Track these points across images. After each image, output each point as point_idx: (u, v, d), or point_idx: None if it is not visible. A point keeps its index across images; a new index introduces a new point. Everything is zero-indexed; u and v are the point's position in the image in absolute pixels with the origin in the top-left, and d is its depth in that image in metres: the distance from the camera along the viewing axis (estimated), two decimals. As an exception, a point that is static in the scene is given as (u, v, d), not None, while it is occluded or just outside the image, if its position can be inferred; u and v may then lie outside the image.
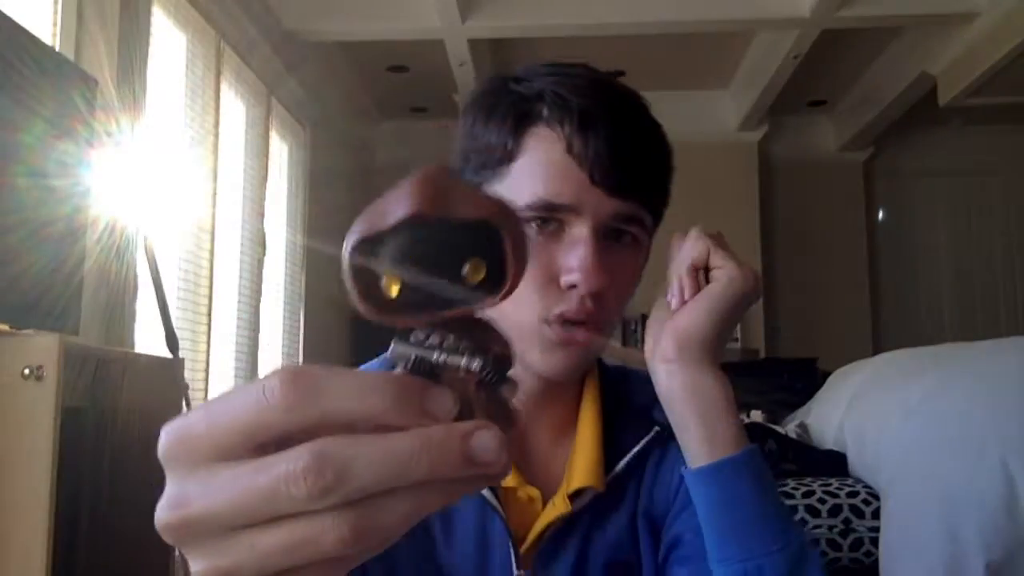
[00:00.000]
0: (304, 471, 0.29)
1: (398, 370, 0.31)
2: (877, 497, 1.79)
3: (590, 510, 0.77)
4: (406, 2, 4.39)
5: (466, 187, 0.31)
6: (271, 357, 4.59)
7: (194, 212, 3.58)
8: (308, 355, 5.01)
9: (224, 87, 3.93)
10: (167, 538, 0.32)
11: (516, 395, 0.32)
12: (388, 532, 0.30)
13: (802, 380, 2.78)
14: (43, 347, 1.78)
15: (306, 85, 4.89)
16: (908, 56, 5.13)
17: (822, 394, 2.35)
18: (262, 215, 4.42)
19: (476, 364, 0.31)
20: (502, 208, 0.31)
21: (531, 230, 0.71)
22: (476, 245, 0.30)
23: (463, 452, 0.29)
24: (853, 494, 1.81)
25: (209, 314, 3.66)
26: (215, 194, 3.75)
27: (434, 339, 0.31)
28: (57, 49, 2.60)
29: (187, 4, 3.57)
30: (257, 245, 4.34)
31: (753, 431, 2.08)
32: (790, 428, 2.27)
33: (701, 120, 6.04)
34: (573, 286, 0.71)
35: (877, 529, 1.75)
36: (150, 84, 3.13)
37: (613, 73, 0.82)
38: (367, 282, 0.30)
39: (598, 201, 0.71)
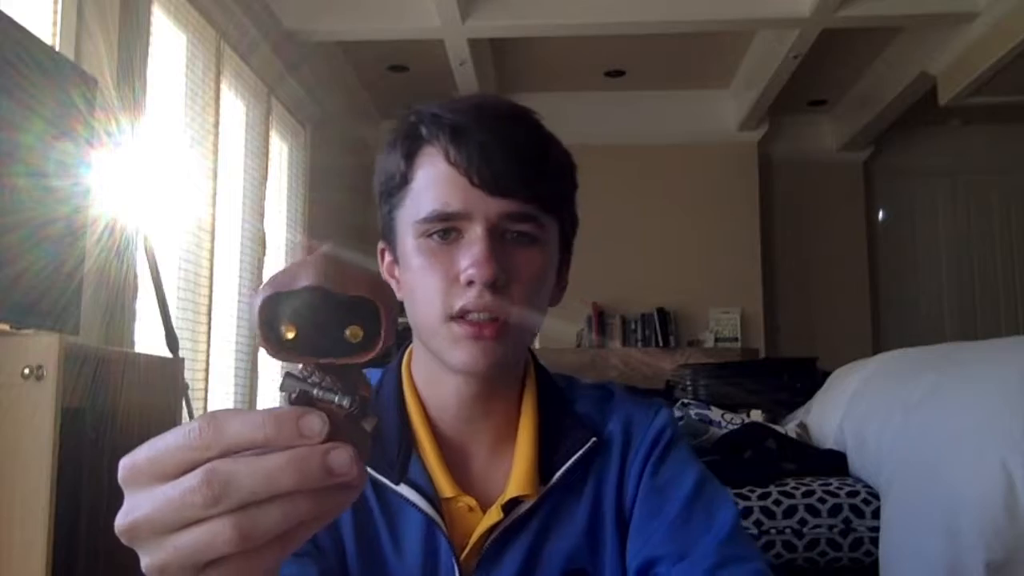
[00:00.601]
0: (199, 485, 0.39)
1: (281, 400, 0.40)
2: (877, 497, 1.79)
3: (536, 518, 0.80)
4: (406, 2, 4.39)
5: (355, 269, 0.41)
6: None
7: (194, 212, 3.57)
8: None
9: (224, 87, 3.93)
10: (123, 540, 0.43)
11: (375, 427, 0.41)
12: (268, 534, 0.39)
13: (802, 380, 2.78)
14: (43, 347, 1.78)
15: (306, 85, 4.88)
16: (908, 56, 5.13)
17: (822, 394, 2.35)
18: (262, 215, 4.42)
19: (346, 401, 0.40)
20: (379, 287, 0.41)
21: (433, 241, 0.77)
22: (358, 314, 0.40)
23: (323, 465, 0.38)
24: (853, 494, 1.81)
25: (209, 314, 3.66)
26: (215, 194, 3.75)
27: (315, 378, 0.40)
28: (57, 49, 2.60)
29: (187, 4, 3.56)
30: (257, 245, 4.34)
31: (753, 431, 2.08)
32: (790, 428, 2.27)
33: (701, 120, 6.04)
34: (471, 281, 0.75)
35: (877, 529, 1.75)
36: (150, 84, 3.13)
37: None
38: (270, 327, 0.40)
39: (484, 203, 0.76)
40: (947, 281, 6.59)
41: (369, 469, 0.76)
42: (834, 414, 2.11)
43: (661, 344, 5.84)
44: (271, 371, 4.58)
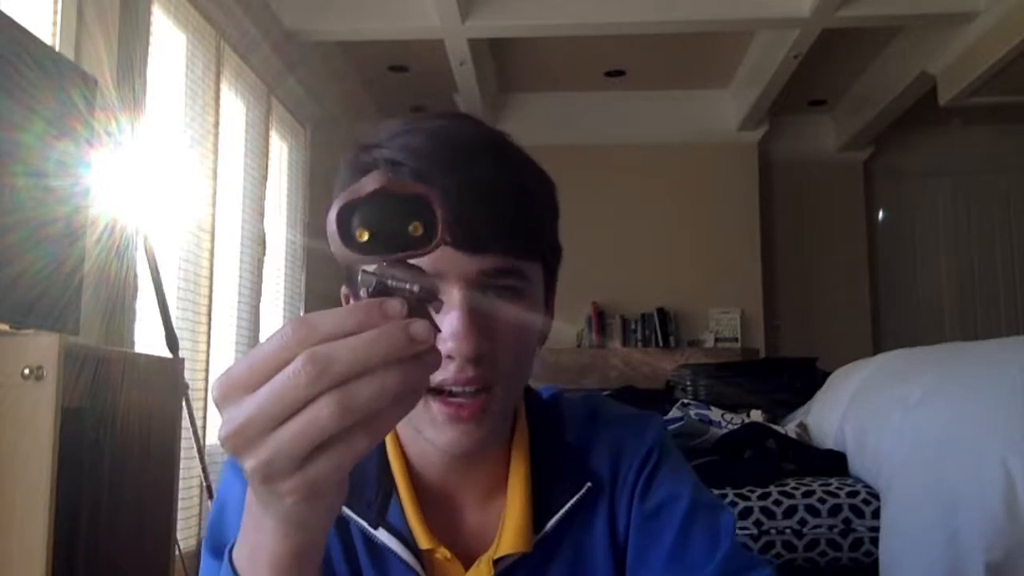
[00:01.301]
0: (301, 366, 0.42)
1: (363, 292, 0.46)
2: (877, 497, 1.79)
3: (522, 570, 0.75)
4: (406, 2, 4.39)
5: (407, 177, 0.50)
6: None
7: (194, 212, 3.57)
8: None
9: (224, 87, 3.93)
10: (226, 449, 0.45)
11: (438, 306, 0.48)
12: (366, 407, 0.43)
13: (802, 380, 2.77)
14: (43, 347, 1.78)
15: (306, 85, 4.88)
16: (908, 56, 5.13)
17: (822, 394, 2.35)
18: (262, 215, 4.42)
19: (416, 287, 0.46)
20: (432, 189, 0.47)
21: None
22: (417, 212, 0.47)
23: (407, 335, 0.43)
24: (853, 494, 1.81)
25: (209, 314, 3.66)
26: (215, 194, 3.75)
27: (388, 271, 0.46)
28: (57, 49, 2.60)
29: (187, 4, 3.56)
30: (257, 245, 4.34)
31: (753, 431, 2.08)
32: (790, 428, 2.27)
33: (701, 120, 6.04)
34: (451, 356, 0.67)
35: (877, 529, 1.75)
36: (150, 84, 3.13)
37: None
38: (345, 231, 0.46)
39: (458, 262, 0.67)
40: (947, 281, 6.59)
41: (346, 509, 0.74)
42: (834, 414, 2.11)
43: (661, 344, 5.84)
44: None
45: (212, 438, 3.69)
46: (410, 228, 0.46)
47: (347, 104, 5.66)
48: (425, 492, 0.77)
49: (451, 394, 0.68)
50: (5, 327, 1.86)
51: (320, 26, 4.47)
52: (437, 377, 0.67)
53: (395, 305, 0.44)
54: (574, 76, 5.71)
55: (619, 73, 5.67)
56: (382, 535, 0.74)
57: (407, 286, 0.46)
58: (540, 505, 0.76)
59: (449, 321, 0.67)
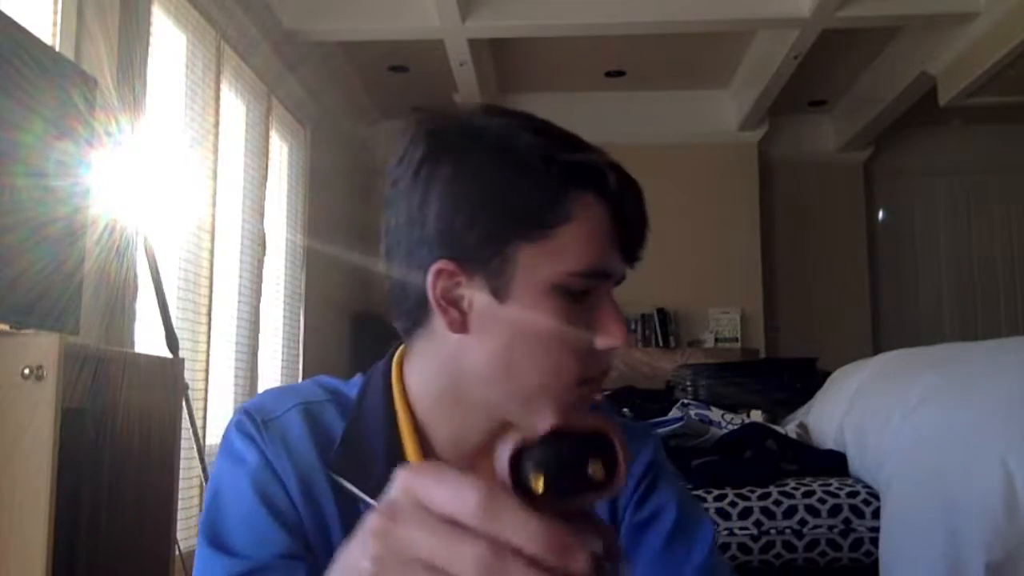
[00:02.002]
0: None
1: (532, 478, 0.41)
2: (877, 497, 1.79)
3: None
4: (406, 2, 4.39)
5: (579, 410, 0.44)
6: (271, 357, 4.59)
7: (194, 212, 3.57)
8: (308, 355, 5.01)
9: (224, 87, 3.93)
10: None
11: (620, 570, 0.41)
12: None
13: (802, 380, 2.77)
14: (43, 347, 1.78)
15: (306, 85, 4.89)
16: (908, 56, 5.13)
17: (822, 394, 2.35)
18: (262, 215, 4.42)
19: (598, 547, 0.39)
20: (607, 419, 0.43)
21: (568, 299, 0.71)
22: (595, 449, 0.41)
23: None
24: (853, 494, 1.81)
25: (209, 314, 3.66)
26: (215, 194, 3.75)
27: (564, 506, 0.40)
28: (57, 49, 2.60)
29: (187, 4, 3.56)
30: (257, 245, 4.34)
31: (753, 431, 2.08)
32: (790, 428, 2.27)
33: (701, 120, 6.04)
34: (612, 348, 0.72)
35: (877, 529, 1.75)
36: (150, 84, 3.13)
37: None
38: (518, 478, 0.41)
39: (620, 267, 0.75)
40: (947, 281, 6.59)
41: (349, 485, 0.74)
42: (834, 414, 2.11)
43: (661, 344, 5.84)
44: (271, 371, 4.59)
45: (212, 438, 3.69)
46: (590, 470, 0.41)
47: (347, 104, 5.66)
48: None
49: (596, 381, 0.74)
50: (5, 327, 1.86)
51: (320, 26, 4.47)
52: (597, 367, 0.73)
53: (581, 565, 0.37)
54: (574, 76, 5.71)
55: (619, 73, 5.67)
56: None
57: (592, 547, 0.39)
58: None
59: (612, 317, 0.72)
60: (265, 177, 4.46)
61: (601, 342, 0.72)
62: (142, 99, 3.04)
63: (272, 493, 0.73)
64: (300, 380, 4.91)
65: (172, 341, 2.64)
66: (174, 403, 2.49)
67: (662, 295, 5.88)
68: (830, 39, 4.70)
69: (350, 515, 0.75)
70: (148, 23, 3.16)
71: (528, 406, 0.72)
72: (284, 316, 4.78)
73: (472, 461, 0.78)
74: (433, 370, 0.76)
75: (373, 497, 0.74)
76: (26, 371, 1.74)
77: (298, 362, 4.94)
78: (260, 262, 4.38)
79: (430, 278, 0.71)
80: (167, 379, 2.47)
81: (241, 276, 4.09)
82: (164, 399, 2.43)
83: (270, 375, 4.57)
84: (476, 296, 0.71)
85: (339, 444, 0.76)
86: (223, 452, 0.77)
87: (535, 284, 0.70)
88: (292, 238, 4.91)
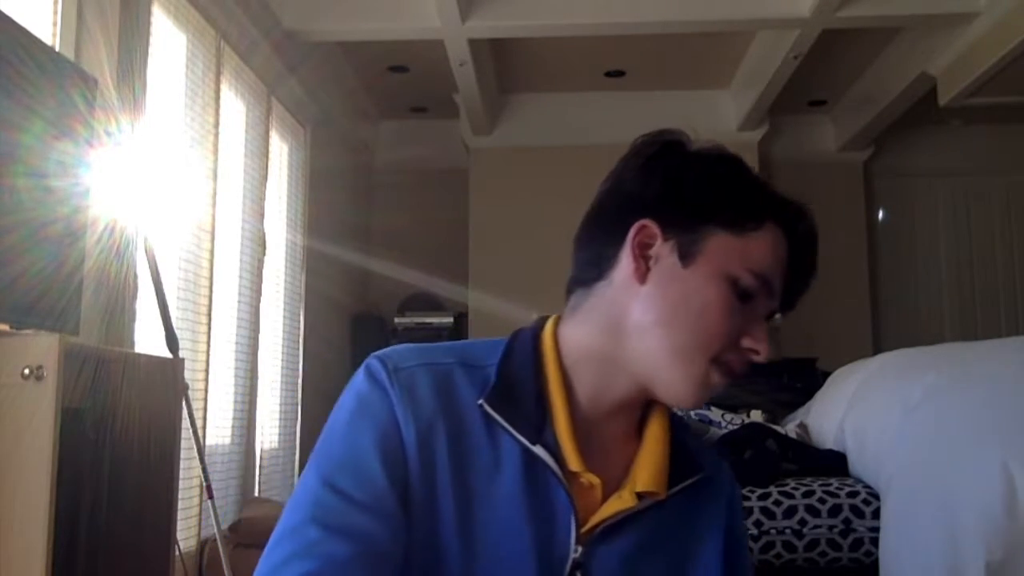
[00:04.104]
0: None
1: None
2: (877, 497, 1.79)
3: (651, 513, 0.85)
4: (406, 2, 4.38)
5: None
6: (271, 357, 4.59)
7: (194, 212, 3.57)
8: (308, 355, 5.01)
9: (224, 87, 3.93)
10: None
11: None
12: None
13: (802, 380, 2.78)
14: (43, 347, 1.78)
15: (306, 85, 4.88)
16: (908, 56, 5.13)
17: (822, 394, 2.35)
18: (262, 215, 4.42)
19: None
20: None
21: (737, 293, 0.83)
22: None
23: None
24: (853, 494, 1.81)
25: (209, 314, 3.66)
26: (215, 194, 3.75)
27: None
28: (57, 49, 2.60)
29: (187, 4, 3.56)
30: (257, 245, 4.34)
31: (753, 431, 2.08)
32: (790, 428, 2.27)
33: (701, 120, 5.97)
34: (753, 351, 0.84)
35: (877, 529, 1.75)
36: (150, 84, 3.13)
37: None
38: None
39: (777, 299, 0.88)
40: (947, 281, 6.58)
41: (506, 424, 0.81)
42: (834, 414, 2.11)
43: (661, 344, 5.83)
44: (271, 372, 4.59)
45: (212, 438, 3.69)
46: None
47: (347, 104, 5.66)
48: (578, 420, 0.84)
49: (725, 369, 0.84)
50: (5, 327, 1.86)
51: (320, 26, 4.46)
52: (730, 356, 0.83)
53: None
54: (574, 76, 5.71)
55: (619, 73, 5.67)
56: (539, 450, 0.81)
57: None
58: (676, 461, 0.87)
59: (763, 328, 0.85)
60: (265, 177, 4.46)
61: (747, 342, 0.84)
62: (142, 99, 3.03)
63: (388, 438, 0.79)
64: (300, 380, 4.92)
65: (172, 341, 2.64)
66: (174, 403, 2.49)
67: (662, 295, 5.87)
68: (830, 39, 4.70)
69: (496, 443, 0.81)
70: (148, 23, 3.16)
71: (672, 359, 0.82)
72: (284, 316, 4.78)
73: (606, 416, 0.86)
74: (596, 322, 0.86)
75: (522, 433, 0.81)
76: (26, 371, 1.74)
77: (298, 362, 4.94)
78: (260, 262, 4.38)
79: (632, 230, 0.84)
80: (167, 379, 2.47)
81: (241, 276, 4.09)
82: (164, 399, 2.43)
83: (270, 375, 4.57)
84: (664, 255, 0.84)
85: (492, 386, 0.83)
86: (350, 390, 0.83)
87: (716, 266, 0.82)
88: (292, 238, 4.91)
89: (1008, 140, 6.38)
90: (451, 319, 5.82)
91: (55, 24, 2.70)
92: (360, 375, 0.83)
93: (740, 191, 0.85)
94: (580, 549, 0.80)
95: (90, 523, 2.02)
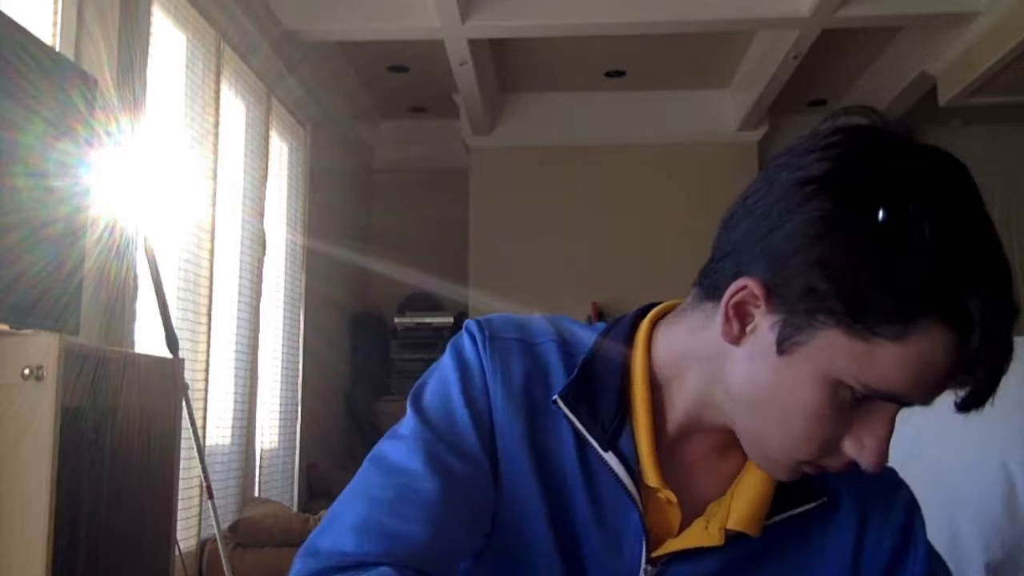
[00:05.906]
0: None
1: None
2: (877, 497, 1.79)
3: (746, 550, 0.75)
4: (406, 2, 4.38)
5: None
6: (271, 357, 4.59)
7: (194, 212, 3.57)
8: (308, 355, 5.01)
9: (224, 87, 3.93)
10: None
11: None
12: None
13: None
14: (43, 347, 1.78)
15: (306, 85, 4.89)
16: (908, 56, 5.13)
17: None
18: (262, 215, 4.42)
19: None
20: None
21: (848, 398, 0.66)
22: None
23: None
24: (853, 494, 1.81)
25: (209, 314, 3.66)
26: (215, 194, 3.75)
27: None
28: (57, 49, 2.60)
29: (187, 4, 3.57)
30: (257, 245, 4.34)
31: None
32: (790, 428, 2.27)
33: (701, 120, 6.04)
34: (860, 461, 0.69)
35: (877, 529, 1.75)
36: (150, 84, 3.13)
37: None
38: None
39: (928, 401, 0.70)
40: (947, 281, 6.59)
41: (578, 423, 0.74)
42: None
43: (661, 344, 5.83)
44: (271, 372, 4.59)
45: (212, 438, 3.69)
46: None
47: (347, 104, 5.66)
48: (662, 433, 0.76)
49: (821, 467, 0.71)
50: (5, 327, 1.86)
51: (320, 26, 4.46)
52: (826, 461, 0.69)
53: None
54: (574, 76, 5.71)
55: (619, 73, 5.67)
56: (611, 459, 0.74)
57: None
58: (775, 494, 0.76)
59: (874, 432, 0.69)
60: (265, 177, 4.46)
61: (851, 450, 0.68)
62: (142, 99, 3.04)
63: (477, 395, 0.76)
64: (300, 380, 4.92)
65: (172, 341, 2.64)
66: (174, 403, 2.49)
67: (662, 295, 5.85)
68: (830, 39, 4.70)
69: (566, 440, 0.76)
70: (148, 23, 3.16)
71: (757, 443, 0.71)
72: (284, 316, 4.78)
73: (698, 431, 0.77)
74: (696, 348, 0.75)
75: (595, 437, 0.74)
76: (26, 371, 1.74)
77: (298, 362, 4.94)
78: (260, 262, 4.38)
79: (734, 286, 0.67)
80: (167, 379, 2.47)
81: (241, 276, 4.09)
82: (164, 399, 2.43)
83: (270, 375, 4.57)
84: (763, 329, 0.67)
85: (573, 380, 0.76)
86: (451, 347, 0.80)
87: (820, 366, 0.64)
88: (292, 238, 4.91)
89: (1008, 140, 6.37)
90: (451, 319, 5.82)
91: (55, 24, 2.71)
92: (462, 334, 0.80)
93: (885, 288, 0.61)
94: (650, 569, 0.74)
95: (90, 523, 2.02)
